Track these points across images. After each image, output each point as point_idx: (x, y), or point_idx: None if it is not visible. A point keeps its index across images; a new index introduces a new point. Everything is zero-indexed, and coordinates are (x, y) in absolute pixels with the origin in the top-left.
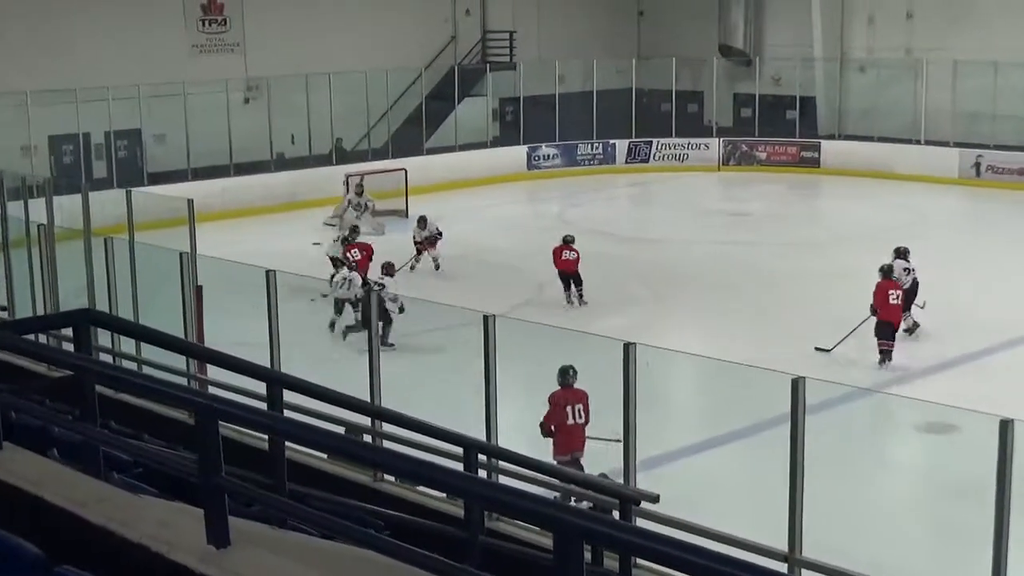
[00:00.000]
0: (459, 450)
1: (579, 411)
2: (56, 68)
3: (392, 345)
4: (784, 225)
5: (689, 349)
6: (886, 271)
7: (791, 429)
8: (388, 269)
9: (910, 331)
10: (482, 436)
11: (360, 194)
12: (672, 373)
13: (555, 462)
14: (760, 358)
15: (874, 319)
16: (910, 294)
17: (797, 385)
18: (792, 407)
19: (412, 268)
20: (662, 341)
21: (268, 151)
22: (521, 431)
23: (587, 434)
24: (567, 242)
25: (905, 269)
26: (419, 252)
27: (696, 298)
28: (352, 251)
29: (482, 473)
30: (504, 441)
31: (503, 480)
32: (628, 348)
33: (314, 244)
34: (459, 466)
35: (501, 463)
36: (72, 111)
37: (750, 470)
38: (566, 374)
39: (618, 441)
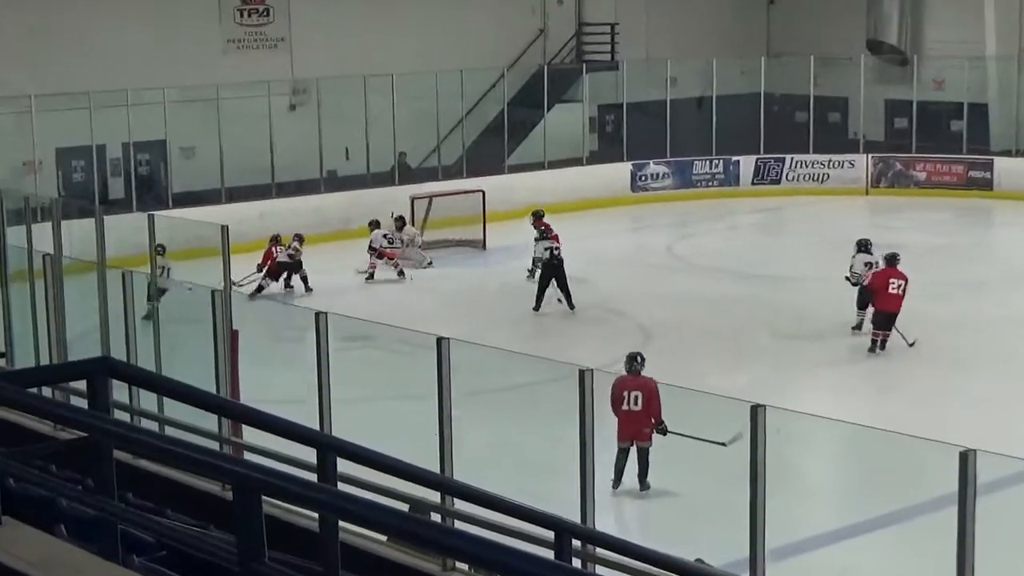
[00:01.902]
0: (549, 534)
1: (635, 398)
2: (65, 68)
3: None
4: (948, 261)
5: (828, 412)
6: (890, 259)
7: (959, 514)
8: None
9: (857, 327)
10: (577, 515)
11: (400, 230)
12: (808, 442)
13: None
14: (918, 423)
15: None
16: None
17: (967, 459)
18: (960, 486)
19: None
20: (795, 403)
21: (317, 168)
22: (623, 508)
23: (680, 433)
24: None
25: (867, 263)
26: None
27: (837, 350)
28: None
29: (576, 562)
30: (604, 521)
31: (600, 571)
32: (756, 411)
33: (360, 272)
34: (549, 553)
35: (599, 550)
36: (84, 119)
37: (905, 564)
38: (633, 361)
39: (722, 444)
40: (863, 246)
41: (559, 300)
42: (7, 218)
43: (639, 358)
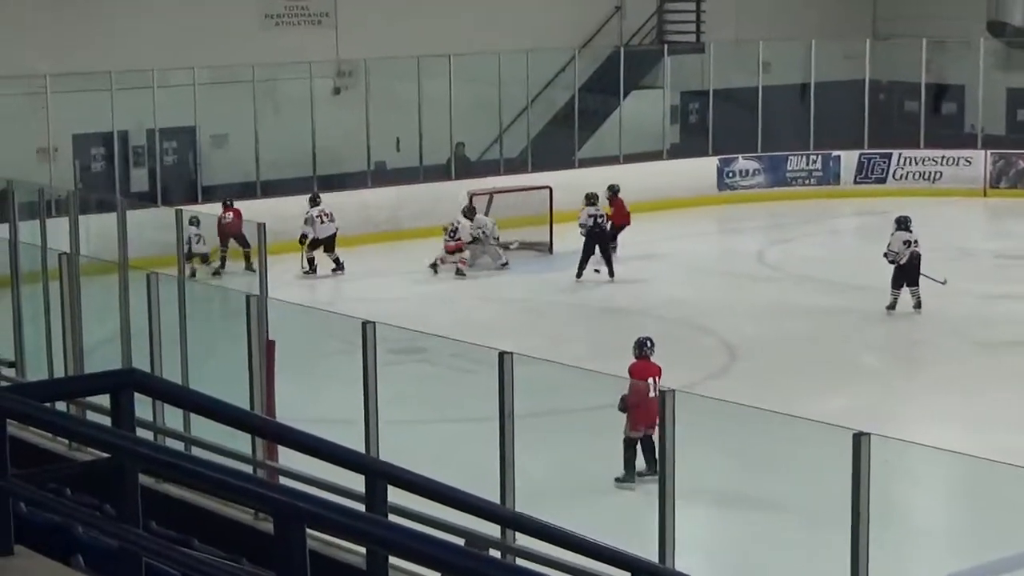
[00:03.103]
0: (624, 575)
1: (655, 384)
2: (84, 44)
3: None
4: None
5: (941, 442)
6: (902, 222)
7: None
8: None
9: (918, 306)
10: (653, 556)
11: (469, 216)
12: (919, 475)
13: (628, 437)
14: None
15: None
16: (911, 269)
17: None
18: None
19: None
20: (904, 431)
21: (364, 159)
22: (706, 548)
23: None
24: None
25: (905, 242)
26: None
27: (952, 372)
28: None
29: None
30: (684, 562)
31: None
32: (859, 440)
33: (430, 266)
34: None
35: None
36: (104, 102)
37: None
38: (643, 346)
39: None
40: (902, 223)
41: (596, 271)
42: (19, 212)
43: (649, 342)
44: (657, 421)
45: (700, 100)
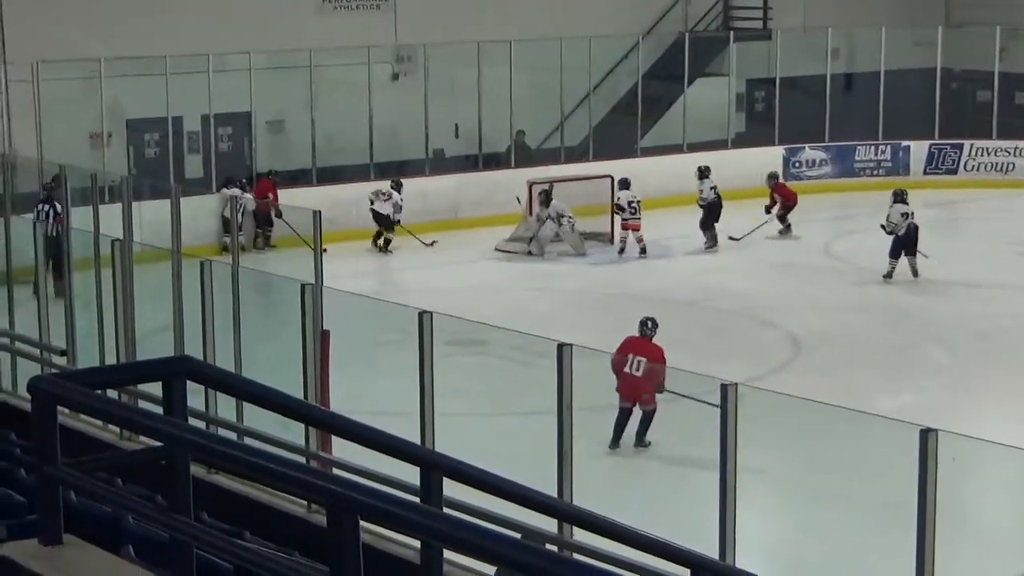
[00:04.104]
0: (684, 572)
1: (638, 364)
2: (139, 29)
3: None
4: None
5: (1012, 441)
6: (898, 195)
7: None
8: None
9: (915, 274)
10: (713, 553)
11: (545, 204)
12: (988, 473)
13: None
14: None
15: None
16: (909, 240)
17: None
18: None
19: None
20: (972, 428)
21: (423, 147)
22: (768, 549)
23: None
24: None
25: (903, 214)
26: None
27: (1016, 367)
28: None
29: None
30: (745, 559)
31: None
32: (926, 436)
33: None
34: None
35: None
36: (159, 87)
37: None
38: (644, 325)
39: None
40: (899, 196)
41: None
42: (72, 198)
43: (650, 323)
44: (642, 397)
45: (766, 88)
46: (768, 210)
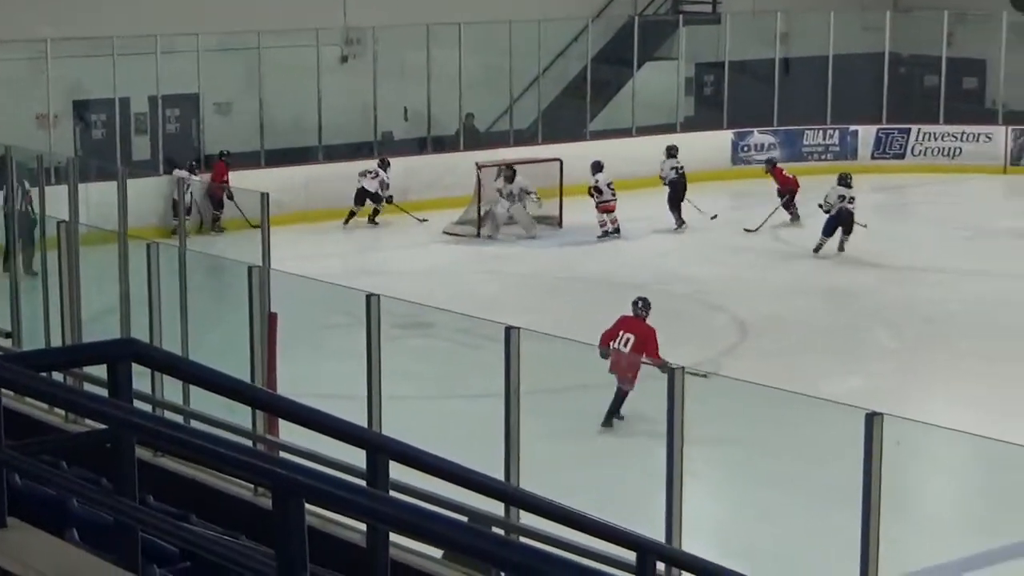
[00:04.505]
0: (630, 555)
1: (626, 340)
2: (86, 8)
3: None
4: None
5: (956, 424)
6: (843, 178)
7: None
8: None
9: (841, 249)
10: (660, 536)
11: (511, 180)
12: (933, 457)
13: None
14: None
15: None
16: (841, 222)
17: None
18: None
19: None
20: (918, 412)
21: (371, 129)
22: (714, 527)
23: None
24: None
25: (840, 196)
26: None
27: (969, 354)
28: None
29: None
30: (692, 542)
31: None
32: (872, 420)
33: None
34: None
35: (685, 575)
36: (106, 68)
37: None
38: (635, 305)
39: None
40: (843, 179)
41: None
42: (17, 179)
43: (640, 302)
44: (624, 376)
45: (715, 72)
46: (781, 195)
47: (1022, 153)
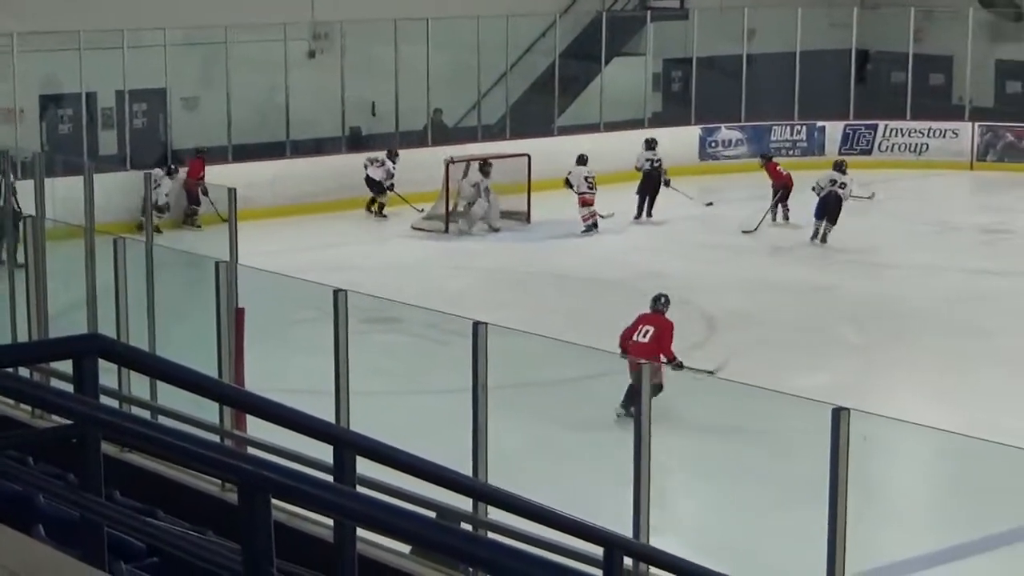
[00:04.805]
0: (598, 550)
1: (645, 332)
2: (53, 3)
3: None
4: None
5: (922, 419)
6: (838, 164)
7: None
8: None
9: (823, 239)
10: (627, 532)
11: (488, 175)
12: (899, 452)
13: None
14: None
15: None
16: (827, 206)
17: None
18: None
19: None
20: (884, 407)
21: (339, 124)
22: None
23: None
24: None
25: (832, 180)
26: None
27: (934, 349)
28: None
29: None
30: (659, 538)
31: None
32: (838, 415)
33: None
34: (597, 572)
35: (653, 570)
36: (73, 62)
37: None
38: (656, 301)
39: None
40: (838, 165)
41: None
42: None
43: (662, 299)
44: (633, 368)
45: (683, 68)
46: (776, 190)
47: (988, 149)
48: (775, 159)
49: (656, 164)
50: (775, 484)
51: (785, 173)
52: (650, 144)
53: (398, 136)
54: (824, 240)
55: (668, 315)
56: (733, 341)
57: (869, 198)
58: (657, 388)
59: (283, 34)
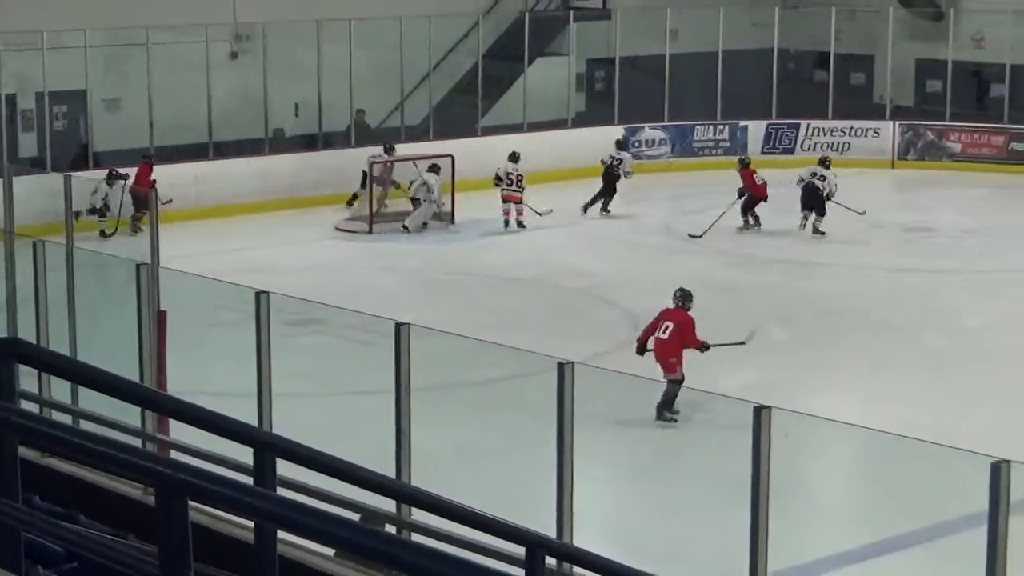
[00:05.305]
0: (520, 550)
1: (666, 328)
2: None
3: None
4: (984, 246)
5: (844, 416)
6: (823, 160)
7: (988, 533)
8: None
9: (815, 230)
10: (551, 531)
11: (438, 173)
12: (820, 449)
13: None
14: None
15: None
16: (805, 196)
17: (999, 471)
18: (991, 502)
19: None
20: (806, 404)
21: (262, 126)
22: (604, 522)
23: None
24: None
25: (812, 172)
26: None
27: (856, 346)
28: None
29: None
30: (582, 537)
31: None
32: (760, 413)
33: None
34: (520, 572)
35: (576, 569)
36: None
37: None
38: (675, 296)
39: (741, 343)
40: (823, 160)
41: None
42: None
43: (679, 293)
44: (668, 362)
45: (606, 68)
46: (741, 194)
47: (909, 148)
48: (752, 166)
49: (616, 163)
50: (700, 482)
51: (761, 182)
52: (619, 144)
53: (321, 136)
54: (816, 231)
55: (689, 310)
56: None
57: (861, 214)
58: (678, 382)
59: (205, 35)
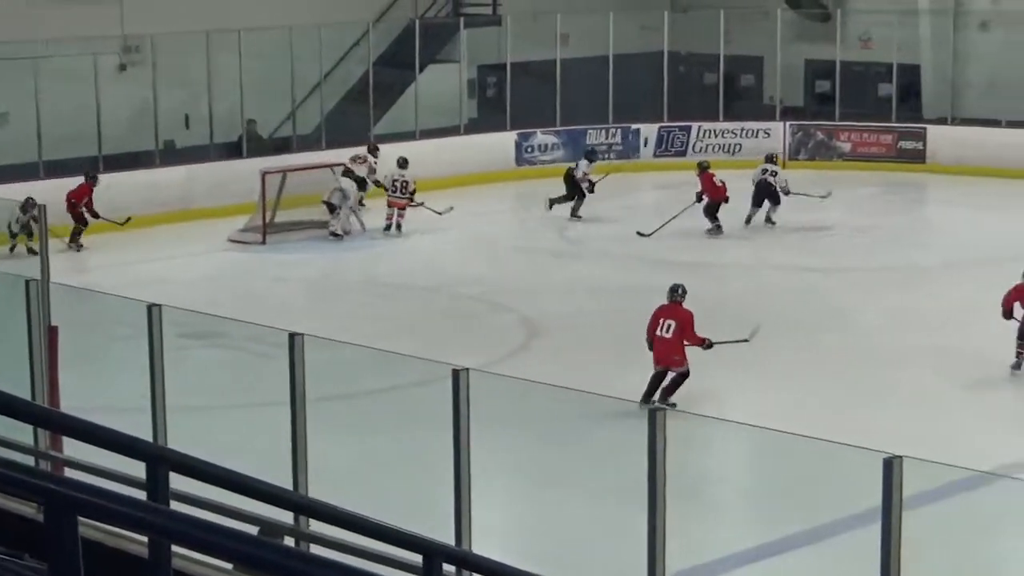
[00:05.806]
0: (418, 558)
1: (668, 327)
2: None
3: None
4: (875, 244)
5: (735, 416)
6: (769, 157)
7: (882, 528)
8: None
9: (767, 220)
10: (449, 539)
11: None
12: (713, 449)
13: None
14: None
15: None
16: (763, 191)
17: (892, 467)
18: (884, 497)
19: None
20: (699, 406)
21: (152, 138)
22: (503, 528)
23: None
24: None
25: (762, 169)
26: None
27: (748, 345)
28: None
29: None
30: (481, 546)
31: None
32: (654, 416)
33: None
34: None
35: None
36: None
37: None
38: (673, 292)
39: (745, 340)
40: (768, 157)
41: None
42: None
43: (679, 289)
44: (673, 359)
45: (497, 74)
46: (699, 198)
47: (800, 147)
48: (711, 170)
49: (573, 171)
50: (597, 487)
51: (720, 184)
52: (590, 156)
53: (212, 147)
54: (769, 221)
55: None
56: (553, 345)
57: (824, 197)
58: (683, 376)
59: (93, 48)
